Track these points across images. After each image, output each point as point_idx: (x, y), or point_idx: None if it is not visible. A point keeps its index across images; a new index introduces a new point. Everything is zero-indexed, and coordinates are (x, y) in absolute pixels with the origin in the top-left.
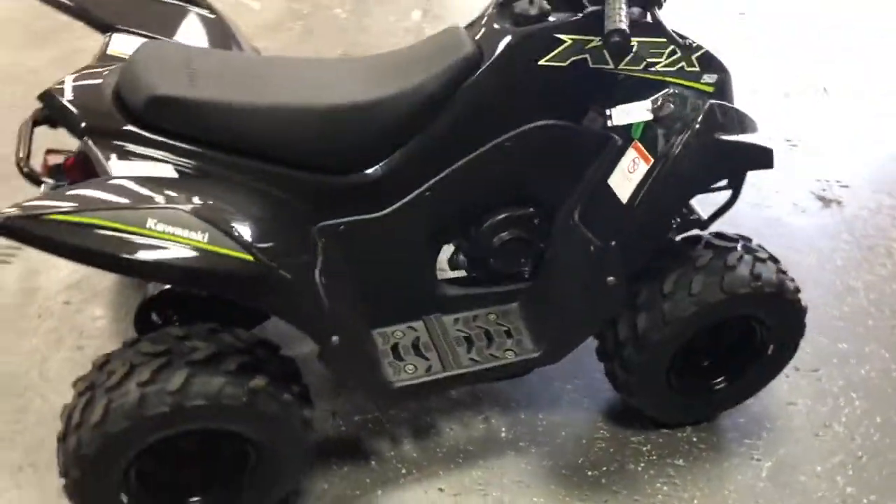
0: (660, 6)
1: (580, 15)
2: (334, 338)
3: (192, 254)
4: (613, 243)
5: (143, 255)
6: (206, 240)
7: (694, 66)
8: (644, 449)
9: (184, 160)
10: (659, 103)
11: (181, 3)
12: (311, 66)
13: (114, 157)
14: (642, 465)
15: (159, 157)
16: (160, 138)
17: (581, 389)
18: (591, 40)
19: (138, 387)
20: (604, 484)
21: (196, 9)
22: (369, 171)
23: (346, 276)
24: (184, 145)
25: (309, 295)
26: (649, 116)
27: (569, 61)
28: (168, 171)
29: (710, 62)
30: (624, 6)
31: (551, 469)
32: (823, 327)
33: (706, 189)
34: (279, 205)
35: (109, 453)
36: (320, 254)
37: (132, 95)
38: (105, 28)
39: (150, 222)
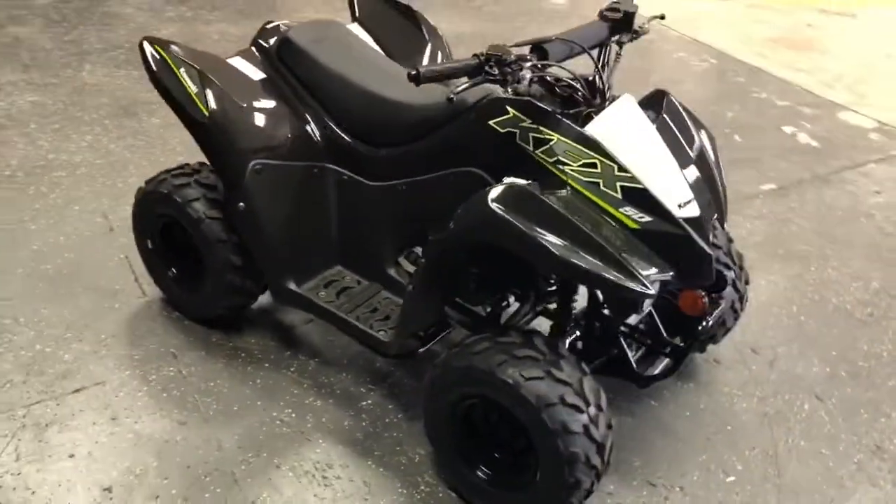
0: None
1: (524, 98)
2: (241, 204)
3: (184, 93)
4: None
5: (165, 81)
6: (194, 91)
7: (614, 191)
8: (414, 460)
9: (275, 76)
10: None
11: (412, 22)
12: (391, 69)
13: (248, 55)
14: (402, 461)
15: (263, 69)
16: (277, 61)
17: None
18: (525, 120)
19: (171, 177)
20: (367, 447)
21: (419, 27)
22: (377, 151)
23: (321, 207)
24: (284, 71)
25: (237, 168)
26: None
27: (505, 129)
28: (258, 75)
29: (642, 201)
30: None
31: (350, 421)
32: None
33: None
34: (301, 131)
35: (147, 213)
36: (297, 174)
37: (282, 36)
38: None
39: (182, 71)
